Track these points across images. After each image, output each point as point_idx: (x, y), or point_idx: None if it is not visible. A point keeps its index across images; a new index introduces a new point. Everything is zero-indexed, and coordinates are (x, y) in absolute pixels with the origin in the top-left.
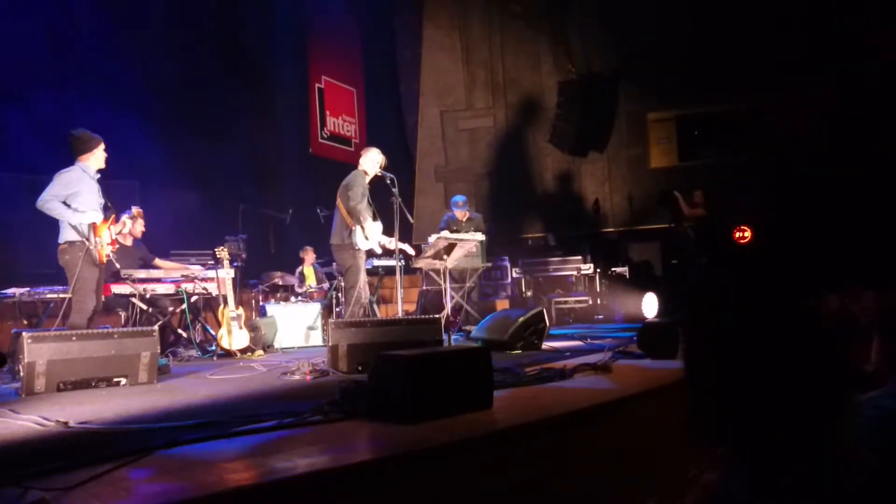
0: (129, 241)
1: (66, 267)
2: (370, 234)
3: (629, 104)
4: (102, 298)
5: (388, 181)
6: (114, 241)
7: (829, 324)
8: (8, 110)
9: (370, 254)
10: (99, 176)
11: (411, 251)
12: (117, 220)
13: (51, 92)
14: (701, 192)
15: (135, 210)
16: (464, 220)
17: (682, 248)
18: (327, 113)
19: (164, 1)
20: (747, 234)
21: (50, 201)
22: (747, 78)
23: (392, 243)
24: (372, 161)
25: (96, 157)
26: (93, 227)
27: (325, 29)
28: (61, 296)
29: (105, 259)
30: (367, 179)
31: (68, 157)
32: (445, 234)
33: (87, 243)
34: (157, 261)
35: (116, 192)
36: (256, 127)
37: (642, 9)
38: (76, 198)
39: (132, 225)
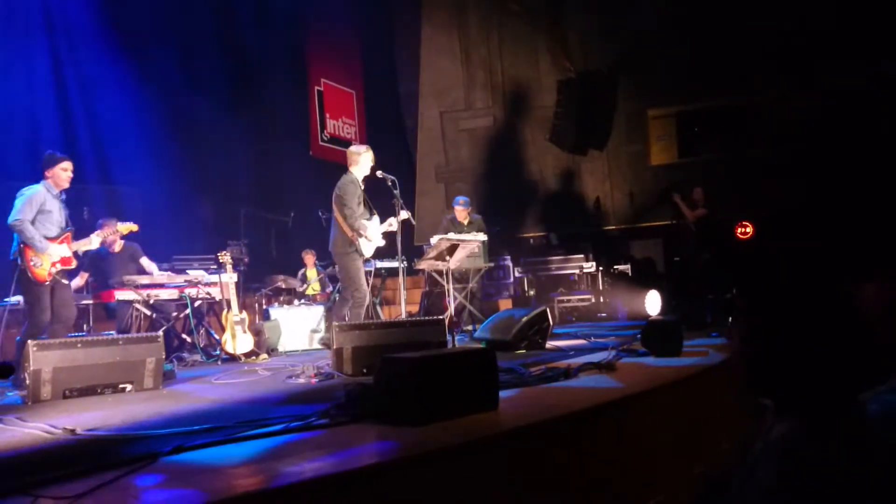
0: (117, 247)
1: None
2: (372, 237)
3: (628, 101)
4: (71, 311)
5: (389, 183)
6: (66, 260)
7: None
8: (13, 121)
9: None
10: (63, 196)
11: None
12: (77, 237)
13: (51, 99)
14: (701, 189)
15: (120, 226)
16: (465, 221)
17: (684, 244)
18: (327, 115)
19: (162, 7)
20: (749, 229)
21: (23, 223)
22: (746, 73)
23: (394, 225)
24: (362, 164)
25: (55, 177)
26: (23, 250)
27: (324, 32)
28: None
29: (48, 277)
30: (360, 181)
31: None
32: (451, 235)
33: (19, 265)
34: (143, 260)
35: (119, 198)
36: (256, 131)
37: (640, 5)
38: (44, 216)
39: (111, 235)
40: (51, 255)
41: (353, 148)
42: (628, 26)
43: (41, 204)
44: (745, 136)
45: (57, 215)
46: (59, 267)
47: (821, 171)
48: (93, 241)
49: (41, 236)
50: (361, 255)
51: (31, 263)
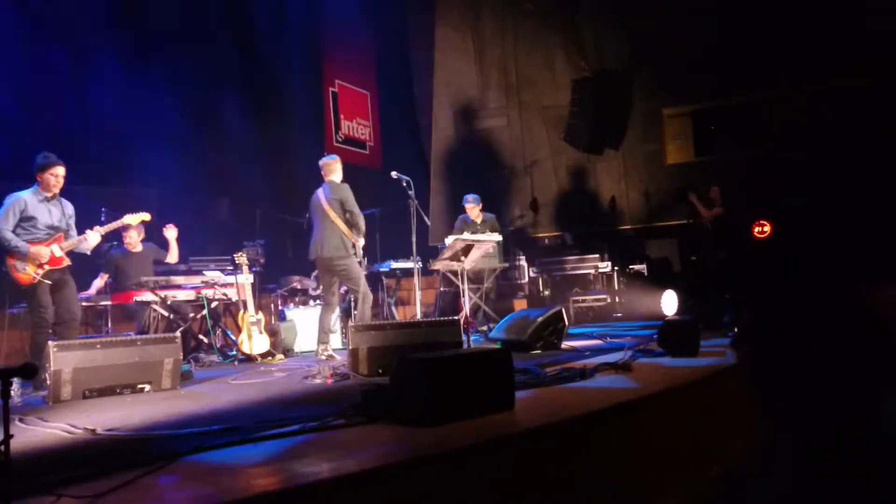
0: (137, 248)
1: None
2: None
3: (644, 100)
4: (75, 309)
5: (405, 184)
6: (57, 260)
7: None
8: (32, 122)
9: None
10: (53, 199)
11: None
12: (67, 236)
13: (68, 99)
14: (717, 188)
15: (127, 218)
16: (478, 220)
17: (701, 244)
18: (341, 116)
19: (177, 10)
20: (766, 228)
21: (3, 231)
22: (762, 71)
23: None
24: (339, 171)
25: (44, 181)
26: (6, 256)
27: (339, 33)
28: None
29: (34, 279)
30: None
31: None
32: (465, 235)
33: (2, 269)
34: (168, 256)
35: (135, 199)
36: (272, 131)
37: (655, 4)
38: (28, 221)
39: (131, 229)
40: (36, 258)
41: (326, 159)
42: (643, 25)
43: (22, 211)
44: (761, 135)
45: (46, 218)
46: (46, 268)
47: (838, 170)
48: (90, 238)
49: (18, 241)
50: (358, 256)
51: (14, 267)
